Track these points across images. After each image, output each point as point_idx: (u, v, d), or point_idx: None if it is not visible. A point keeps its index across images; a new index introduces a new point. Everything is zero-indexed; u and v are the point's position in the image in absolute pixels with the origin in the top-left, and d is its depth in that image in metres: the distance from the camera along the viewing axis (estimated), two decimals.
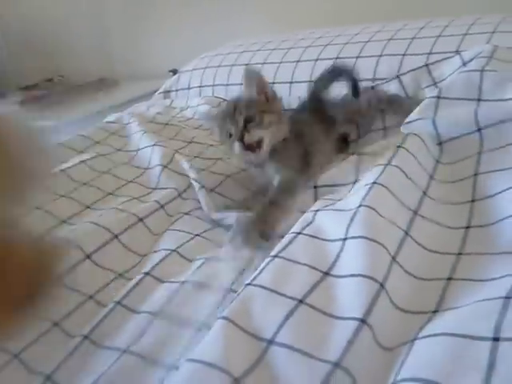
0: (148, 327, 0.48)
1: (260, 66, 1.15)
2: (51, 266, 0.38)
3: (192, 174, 0.78)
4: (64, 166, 0.84)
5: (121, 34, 1.95)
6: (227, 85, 1.19)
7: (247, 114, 0.71)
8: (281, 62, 1.12)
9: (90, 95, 1.73)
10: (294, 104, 1.00)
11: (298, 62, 1.09)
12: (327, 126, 0.81)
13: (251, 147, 0.70)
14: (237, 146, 0.70)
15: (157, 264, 0.57)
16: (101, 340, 0.48)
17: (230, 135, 0.72)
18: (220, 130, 0.76)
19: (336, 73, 0.84)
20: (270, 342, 0.39)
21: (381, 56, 0.97)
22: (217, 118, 0.77)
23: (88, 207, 0.75)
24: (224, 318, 0.41)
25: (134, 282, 0.55)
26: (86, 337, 0.48)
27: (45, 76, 2.02)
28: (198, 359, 0.37)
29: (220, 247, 0.61)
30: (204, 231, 0.66)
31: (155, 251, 0.62)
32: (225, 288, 0.51)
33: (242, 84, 1.15)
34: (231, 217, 0.66)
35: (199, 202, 0.74)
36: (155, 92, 1.55)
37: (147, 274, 0.56)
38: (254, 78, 0.75)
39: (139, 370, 0.43)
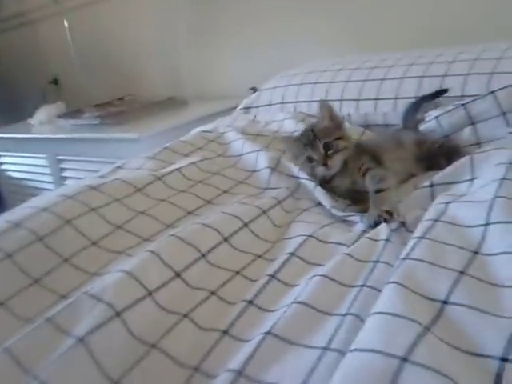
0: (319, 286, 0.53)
1: (344, 83, 1.21)
2: None
3: (303, 175, 0.84)
4: (177, 166, 0.91)
5: (190, 56, 2.06)
6: (311, 101, 1.26)
7: (326, 141, 0.85)
8: (365, 80, 1.18)
9: (161, 113, 1.83)
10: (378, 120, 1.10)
11: (382, 80, 1.15)
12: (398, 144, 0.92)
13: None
14: (321, 170, 0.84)
15: (299, 246, 0.62)
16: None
17: (310, 159, 0.86)
18: (298, 154, 0.89)
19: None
20: (445, 302, 0.43)
21: (468, 75, 1.02)
22: (294, 143, 0.91)
23: (209, 202, 0.81)
24: (394, 282, 0.46)
25: (280, 260, 0.60)
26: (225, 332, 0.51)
27: (116, 94, 2.16)
28: (383, 311, 0.42)
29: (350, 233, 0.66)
30: (330, 223, 0.71)
31: (289, 238, 0.67)
32: (373, 260, 0.56)
33: (324, 100, 1.24)
34: (355, 216, 0.72)
35: (313, 200, 0.80)
36: (221, 111, 1.65)
37: (292, 254, 0.61)
38: (326, 109, 0.89)
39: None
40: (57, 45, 2.41)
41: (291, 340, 0.45)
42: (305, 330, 0.46)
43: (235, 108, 1.53)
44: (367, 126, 1.15)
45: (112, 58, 2.29)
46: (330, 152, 0.84)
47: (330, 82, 1.24)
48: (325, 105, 0.91)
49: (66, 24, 2.10)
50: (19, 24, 2.56)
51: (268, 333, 0.46)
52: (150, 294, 0.54)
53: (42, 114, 2.03)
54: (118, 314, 0.50)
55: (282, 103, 1.32)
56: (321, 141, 0.85)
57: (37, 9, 2.39)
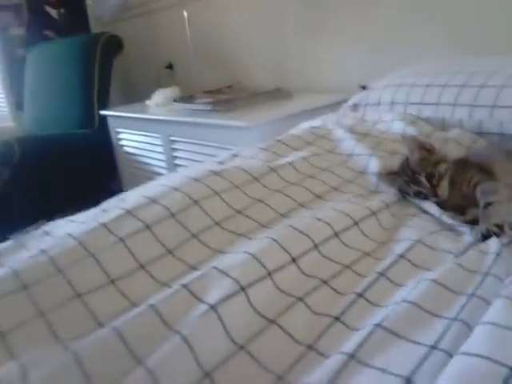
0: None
1: (459, 88, 1.19)
2: None
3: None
4: (289, 159, 0.98)
5: (296, 48, 2.11)
6: (421, 104, 1.25)
7: (427, 173, 0.84)
8: (482, 86, 1.15)
9: (267, 103, 1.91)
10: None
11: (502, 86, 1.11)
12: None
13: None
14: (433, 200, 0.83)
15: (407, 249, 0.66)
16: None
17: (418, 194, 0.85)
18: (402, 188, 0.88)
19: None
20: None
21: None
22: (394, 177, 0.90)
23: (319, 197, 0.87)
24: (506, 297, 0.48)
25: (389, 260, 0.64)
26: (336, 318, 0.58)
27: (224, 82, 2.28)
28: (494, 322, 0.45)
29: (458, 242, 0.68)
30: (438, 231, 0.73)
31: (397, 240, 0.71)
32: (483, 272, 0.58)
33: (436, 104, 1.24)
34: (464, 226, 0.74)
35: (420, 208, 0.83)
36: (326, 105, 1.69)
37: (400, 256, 0.65)
38: (412, 141, 0.90)
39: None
40: (174, 33, 2.58)
41: (400, 334, 0.50)
42: (413, 328, 0.50)
43: (340, 102, 1.56)
44: (481, 134, 1.13)
45: (222, 47, 2.42)
46: (434, 180, 0.84)
47: (444, 86, 1.23)
48: (409, 138, 0.93)
49: (185, 14, 2.24)
50: (142, 12, 2.77)
51: (378, 325, 0.51)
52: (269, 274, 0.61)
53: (158, 97, 2.20)
54: (242, 289, 0.58)
55: (392, 103, 1.33)
56: (421, 174, 0.85)
57: None
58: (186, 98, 2.07)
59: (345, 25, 1.88)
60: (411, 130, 1.15)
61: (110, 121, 2.34)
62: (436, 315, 0.52)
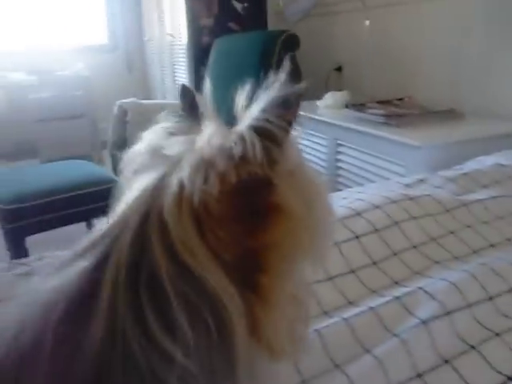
0: None
1: None
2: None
3: None
4: (479, 196, 1.05)
5: (476, 69, 2.08)
6: None
7: None
8: None
9: (438, 123, 1.92)
10: None
11: None
12: None
13: None
14: None
15: None
16: None
17: None
18: None
19: None
20: None
21: None
22: None
23: (509, 240, 0.93)
24: None
25: None
26: None
27: (392, 92, 2.34)
28: None
29: None
30: None
31: None
32: None
33: None
34: None
35: None
36: (502, 134, 1.68)
37: None
38: None
39: None
40: (348, 37, 2.70)
41: None
42: None
43: None
44: None
45: (397, 57, 2.46)
46: None
47: None
48: None
49: (367, 23, 2.34)
50: (319, 13, 2.92)
51: None
52: (469, 306, 0.72)
53: (329, 99, 2.34)
54: (447, 313, 0.69)
55: None
56: None
57: (341, 2, 2.70)
58: (358, 105, 2.17)
59: None
60: None
61: None
62: None
